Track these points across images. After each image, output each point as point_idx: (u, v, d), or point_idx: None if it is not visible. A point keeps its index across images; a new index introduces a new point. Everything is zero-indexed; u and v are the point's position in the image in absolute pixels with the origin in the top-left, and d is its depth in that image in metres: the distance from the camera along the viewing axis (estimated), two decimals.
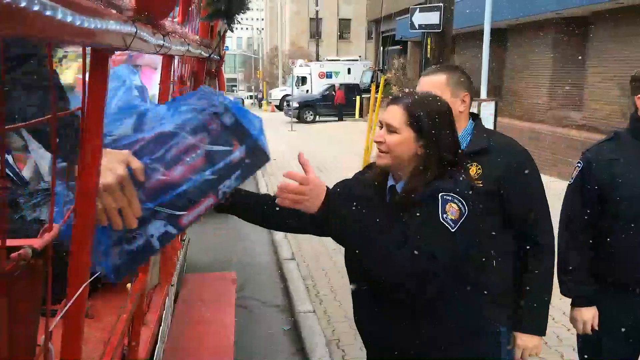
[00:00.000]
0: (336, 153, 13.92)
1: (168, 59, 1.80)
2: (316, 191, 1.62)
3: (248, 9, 2.96)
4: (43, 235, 0.73)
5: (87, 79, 0.80)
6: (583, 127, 11.27)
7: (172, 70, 1.99)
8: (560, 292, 2.42)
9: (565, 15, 12.14)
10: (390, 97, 1.89)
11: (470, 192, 1.67)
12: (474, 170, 2.03)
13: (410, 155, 1.71)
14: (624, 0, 9.89)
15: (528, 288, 2.12)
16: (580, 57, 12.20)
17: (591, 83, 11.59)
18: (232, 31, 3.05)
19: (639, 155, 2.22)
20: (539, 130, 11.45)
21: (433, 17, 6.59)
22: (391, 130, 1.73)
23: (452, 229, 1.58)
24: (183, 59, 2.48)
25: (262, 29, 61.76)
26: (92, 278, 0.91)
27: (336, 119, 24.97)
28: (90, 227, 0.85)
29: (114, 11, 0.77)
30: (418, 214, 1.62)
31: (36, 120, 0.80)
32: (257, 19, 60.84)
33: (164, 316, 2.43)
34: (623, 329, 2.27)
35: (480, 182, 2.00)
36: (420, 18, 6.74)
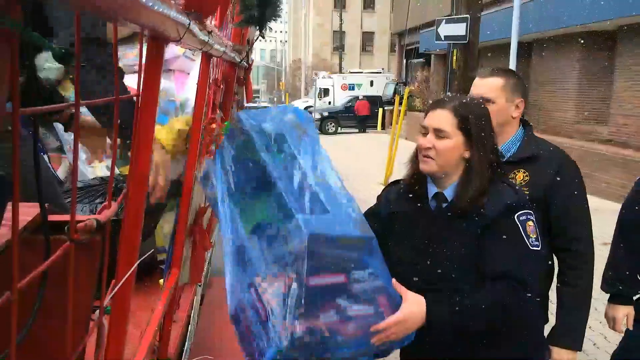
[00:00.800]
0: (358, 164, 13.91)
1: (207, 60, 1.85)
2: (410, 322, 1.58)
3: (280, 16, 3.02)
4: (103, 212, 0.77)
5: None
6: (610, 141, 11.13)
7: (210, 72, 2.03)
8: (600, 287, 2.42)
9: (593, 29, 12.04)
10: (432, 101, 1.88)
11: (527, 197, 1.71)
12: (520, 176, 2.02)
13: (458, 160, 1.70)
14: None
15: (565, 301, 2.08)
16: (607, 71, 12.07)
17: (618, 97, 11.45)
18: (264, 38, 3.10)
19: None
20: (565, 144, 11.32)
21: (459, 29, 6.60)
22: (441, 135, 1.69)
23: (539, 247, 1.62)
24: (216, 63, 2.53)
25: (286, 41, 62.38)
26: (139, 261, 0.95)
27: (358, 131, 24.98)
28: (141, 210, 0.88)
29: (172, 1, 0.81)
30: (499, 237, 1.62)
31: (99, 100, 0.84)
32: (281, 31, 61.50)
33: (192, 315, 2.46)
34: None
35: (526, 189, 1.98)
36: (447, 29, 6.76)
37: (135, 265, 0.92)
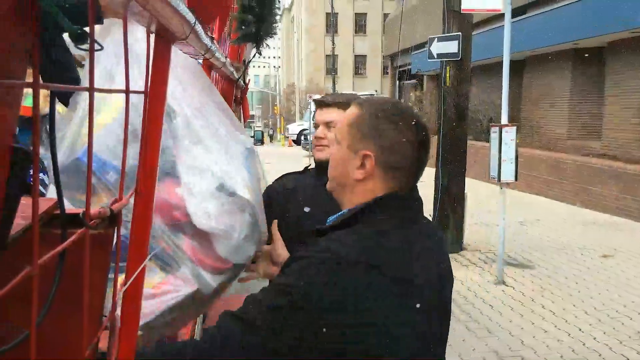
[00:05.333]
0: None
1: (208, 71, 1.87)
2: None
3: (276, 33, 3.06)
4: (115, 204, 0.77)
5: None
6: (603, 155, 11.21)
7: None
8: None
9: (582, 45, 12.22)
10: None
11: None
12: None
13: None
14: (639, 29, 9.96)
15: None
16: (597, 87, 12.21)
17: (609, 112, 11.57)
18: (260, 54, 3.15)
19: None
20: (560, 159, 11.40)
21: (451, 46, 6.68)
22: None
23: None
24: (215, 79, 2.55)
25: (279, 66, 62.88)
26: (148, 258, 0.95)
27: None
28: (150, 205, 0.88)
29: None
30: None
31: (113, 90, 0.85)
32: (274, 57, 62.05)
33: (195, 330, 2.44)
34: None
35: None
36: (439, 47, 6.84)
37: (146, 261, 0.91)
